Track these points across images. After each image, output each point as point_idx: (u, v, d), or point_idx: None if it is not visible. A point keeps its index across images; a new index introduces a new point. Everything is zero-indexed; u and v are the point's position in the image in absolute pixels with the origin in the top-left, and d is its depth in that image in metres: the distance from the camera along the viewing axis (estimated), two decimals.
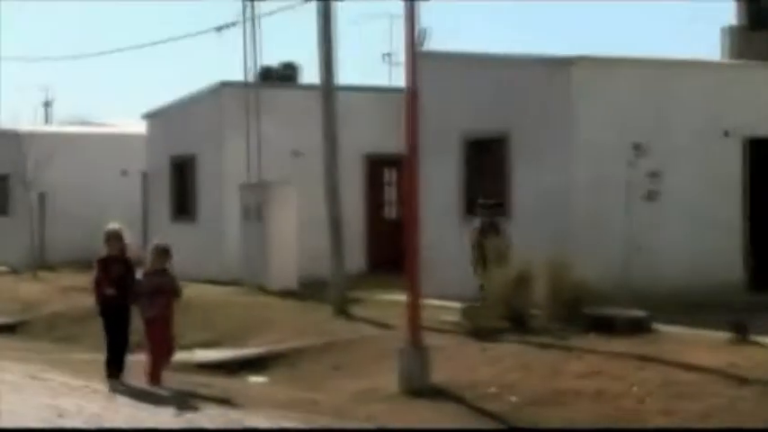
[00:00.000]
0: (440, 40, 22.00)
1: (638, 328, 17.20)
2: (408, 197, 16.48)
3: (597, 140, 21.42)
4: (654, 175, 21.15)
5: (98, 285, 15.95)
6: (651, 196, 21.13)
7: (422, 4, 16.37)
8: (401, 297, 16.83)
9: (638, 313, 17.65)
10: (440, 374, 15.49)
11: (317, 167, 22.91)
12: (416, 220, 16.33)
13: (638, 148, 21.16)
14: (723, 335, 16.18)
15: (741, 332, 16.10)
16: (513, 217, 22.04)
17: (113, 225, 16.57)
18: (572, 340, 16.71)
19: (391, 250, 22.01)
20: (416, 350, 15.53)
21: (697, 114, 22.08)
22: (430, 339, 16.08)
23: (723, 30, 24.60)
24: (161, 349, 15.84)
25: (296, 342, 19.24)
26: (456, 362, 16.14)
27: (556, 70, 22.04)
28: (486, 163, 23.31)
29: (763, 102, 21.54)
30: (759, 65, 21.82)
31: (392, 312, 19.10)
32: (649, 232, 21.16)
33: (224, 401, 14.56)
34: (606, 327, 17.18)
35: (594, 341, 16.54)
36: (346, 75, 23.67)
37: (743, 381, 13.67)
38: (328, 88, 22.38)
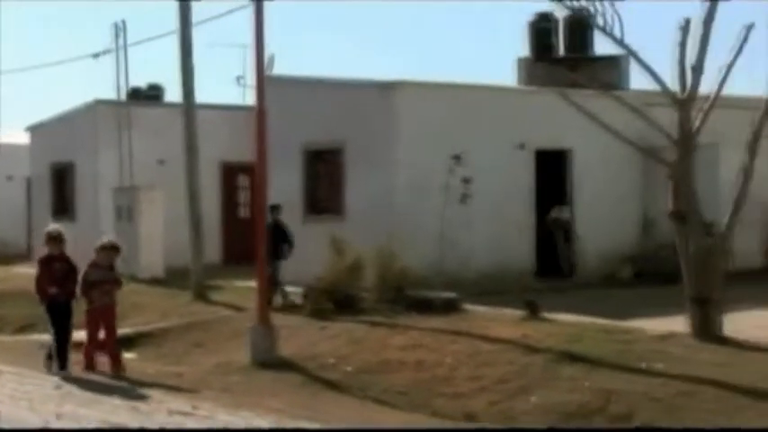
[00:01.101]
0: (284, 64, 22.06)
1: (451, 307, 17.46)
2: (258, 199, 16.59)
3: (417, 152, 21.68)
4: (466, 180, 21.48)
5: (40, 283, 14.67)
6: (464, 199, 21.47)
7: (269, 36, 16.45)
8: (252, 284, 16.87)
9: (451, 295, 17.93)
10: (286, 349, 15.61)
11: (180, 173, 22.78)
12: (265, 218, 16.46)
13: (457, 158, 21.44)
14: (518, 313, 16.59)
15: (532, 310, 16.53)
16: (347, 216, 22.31)
17: (54, 226, 15.51)
18: (396, 318, 16.89)
19: (244, 245, 21.98)
20: (265, 328, 15.67)
21: (499, 130, 22.50)
22: (277, 319, 16.20)
23: (517, 60, 25.18)
24: (99, 336, 14.82)
25: (162, 323, 19.16)
26: (299, 338, 16.23)
27: (382, 92, 22.23)
28: (323, 170, 23.50)
29: (548, 120, 22.01)
30: (545, 90, 22.31)
31: (245, 297, 19.10)
32: (460, 229, 21.50)
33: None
34: (425, 307, 17.41)
35: (415, 319, 16.75)
36: (206, 94, 23.59)
37: (534, 350, 14.02)
38: (189, 106, 22.30)
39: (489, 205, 22.06)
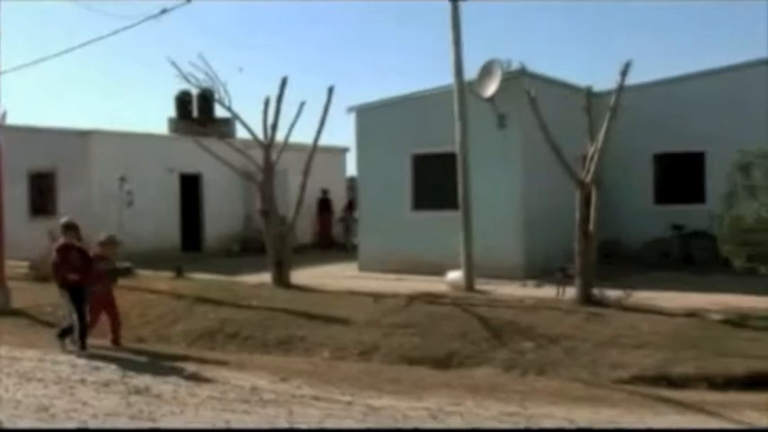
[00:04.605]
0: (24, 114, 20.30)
1: (128, 272, 16.78)
2: None
3: (103, 175, 20.89)
4: (129, 192, 21.06)
5: (58, 269, 10.79)
6: (129, 204, 20.94)
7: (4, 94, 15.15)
8: None
9: (128, 264, 17.32)
10: (18, 302, 14.55)
11: None
12: (2, 221, 15.19)
13: (122, 178, 20.91)
14: (170, 274, 16.37)
15: (179, 272, 16.39)
16: (59, 216, 20.93)
17: (68, 218, 11.38)
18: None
19: None
20: (2, 288, 14.61)
21: (157, 160, 21.99)
22: (11, 283, 15.08)
23: (168, 118, 24.52)
24: (118, 317, 11.53)
25: None
26: (27, 296, 15.08)
27: (81, 136, 21.24)
28: (43, 186, 22.04)
29: (188, 156, 21.26)
30: (185, 137, 21.64)
31: None
32: (132, 222, 20.90)
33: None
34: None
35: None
36: None
37: (180, 296, 13.86)
38: None
39: (151, 208, 21.58)
